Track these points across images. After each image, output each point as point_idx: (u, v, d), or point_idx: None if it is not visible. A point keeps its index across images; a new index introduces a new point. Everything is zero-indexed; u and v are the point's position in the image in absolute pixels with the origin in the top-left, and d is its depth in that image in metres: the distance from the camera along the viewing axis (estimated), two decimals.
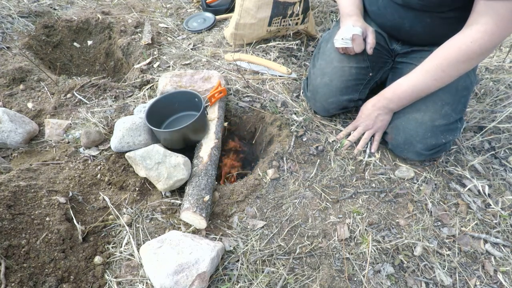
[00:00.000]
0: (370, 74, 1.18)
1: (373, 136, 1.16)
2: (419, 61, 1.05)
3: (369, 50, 1.12)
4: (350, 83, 1.15)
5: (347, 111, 1.29)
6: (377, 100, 1.10)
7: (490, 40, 0.83)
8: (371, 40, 1.11)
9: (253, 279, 0.84)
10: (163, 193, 1.00)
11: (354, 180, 1.08)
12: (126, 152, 0.99)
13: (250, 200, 1.01)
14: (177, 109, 1.19)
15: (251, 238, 0.92)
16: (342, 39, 1.10)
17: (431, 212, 1.03)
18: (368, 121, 1.13)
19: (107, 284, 0.82)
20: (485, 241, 0.98)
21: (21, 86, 1.33)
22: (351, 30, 1.10)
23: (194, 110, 1.16)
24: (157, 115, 1.12)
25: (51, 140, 1.13)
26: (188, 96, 1.14)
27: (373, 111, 1.11)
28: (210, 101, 1.21)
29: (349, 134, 1.18)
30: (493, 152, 1.23)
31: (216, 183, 1.07)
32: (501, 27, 0.81)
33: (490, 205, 1.07)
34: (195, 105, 1.13)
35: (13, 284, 0.74)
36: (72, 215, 0.90)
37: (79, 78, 1.45)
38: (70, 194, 0.94)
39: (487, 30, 0.82)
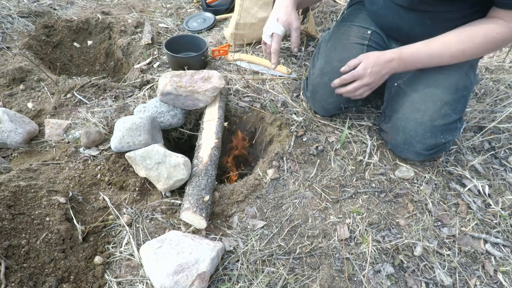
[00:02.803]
0: None
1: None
2: None
3: (294, 49, 1.10)
4: (350, 83, 1.15)
5: (347, 111, 1.29)
6: (391, 58, 1.02)
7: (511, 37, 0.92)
8: (294, 40, 1.07)
9: (253, 279, 0.84)
10: (163, 193, 1.00)
11: (354, 180, 1.08)
12: (126, 152, 0.99)
13: (250, 200, 1.01)
14: (186, 48, 1.53)
15: (251, 238, 0.92)
16: (265, 33, 1.08)
17: (431, 212, 1.03)
18: (373, 77, 1.04)
19: (107, 284, 0.82)
20: (485, 241, 0.98)
21: (21, 86, 1.33)
22: (273, 28, 1.05)
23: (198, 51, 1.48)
24: (172, 48, 1.44)
25: (51, 140, 1.13)
26: (196, 40, 1.52)
27: (383, 68, 1.03)
28: (213, 53, 1.46)
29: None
30: (493, 152, 1.23)
31: (216, 183, 1.07)
32: None
33: (490, 205, 1.07)
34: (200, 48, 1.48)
35: (13, 284, 0.74)
36: (72, 215, 0.90)
37: (79, 78, 1.45)
38: (70, 194, 0.94)
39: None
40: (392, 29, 1.15)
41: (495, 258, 0.95)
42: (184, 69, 1.40)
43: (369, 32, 1.18)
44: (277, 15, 1.07)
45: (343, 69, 1.07)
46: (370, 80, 1.03)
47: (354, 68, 1.05)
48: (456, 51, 0.96)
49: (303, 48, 1.65)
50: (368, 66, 1.02)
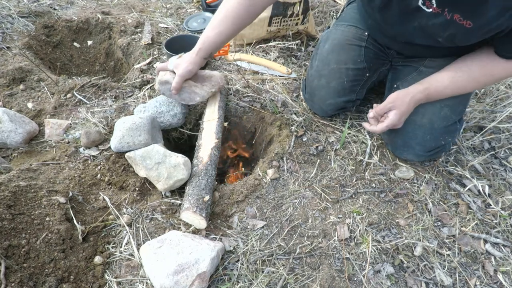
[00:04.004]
0: (367, 74, 1.17)
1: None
2: (417, 63, 1.08)
3: (172, 91, 1.10)
4: (347, 84, 1.15)
5: (346, 111, 1.29)
6: (420, 99, 0.99)
7: None
8: (173, 83, 1.08)
9: (253, 279, 0.84)
10: (163, 193, 1.00)
11: (354, 180, 1.08)
12: (126, 152, 0.99)
13: (250, 200, 1.01)
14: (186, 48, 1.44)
15: (251, 238, 0.92)
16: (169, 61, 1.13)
17: (431, 212, 1.03)
18: (402, 120, 1.00)
19: (107, 284, 0.82)
20: (485, 241, 0.98)
21: (21, 86, 1.33)
22: (173, 60, 1.11)
23: None
24: (172, 49, 1.43)
25: (51, 140, 1.13)
26: (196, 40, 1.40)
27: (412, 108, 1.00)
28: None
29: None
30: (493, 152, 1.23)
31: (216, 183, 1.07)
32: None
33: (490, 205, 1.07)
34: None
35: (13, 284, 0.74)
36: (72, 215, 0.90)
37: (79, 78, 1.45)
38: (70, 194, 0.94)
39: None
40: (384, 44, 1.15)
41: (495, 258, 0.95)
42: None
43: (366, 33, 1.17)
44: (182, 58, 1.09)
45: (371, 115, 1.03)
46: (401, 125, 1.01)
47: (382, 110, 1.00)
48: (479, 85, 0.96)
49: (303, 48, 1.65)
50: (403, 114, 0.98)
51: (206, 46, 1.06)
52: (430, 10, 0.84)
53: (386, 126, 0.98)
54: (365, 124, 1.04)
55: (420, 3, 0.84)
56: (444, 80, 0.96)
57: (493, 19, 0.76)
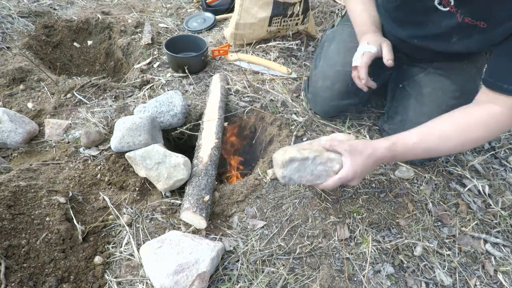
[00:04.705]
0: (371, 78, 1.16)
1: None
2: (426, 64, 1.07)
3: (386, 62, 0.98)
4: (352, 88, 1.13)
5: (347, 112, 1.28)
6: (383, 157, 0.84)
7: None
8: (386, 54, 0.97)
9: (253, 279, 0.84)
10: (163, 193, 1.00)
11: None
12: (126, 152, 0.99)
13: (250, 200, 1.01)
14: (186, 48, 1.51)
15: (251, 238, 0.92)
16: (355, 58, 1.04)
17: (431, 212, 1.03)
18: (360, 179, 0.87)
19: (107, 284, 0.82)
20: (485, 241, 0.98)
21: (21, 86, 1.33)
22: (364, 48, 1.01)
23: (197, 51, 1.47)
24: (172, 49, 1.43)
25: (51, 140, 1.13)
26: (196, 40, 1.52)
27: (372, 168, 0.86)
28: (213, 53, 1.49)
29: None
30: (493, 152, 1.23)
31: (216, 183, 1.07)
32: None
33: (490, 205, 1.07)
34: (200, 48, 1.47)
35: (13, 284, 0.74)
36: (72, 215, 0.90)
37: (79, 78, 1.45)
38: (70, 194, 0.94)
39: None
40: (394, 48, 1.14)
41: (495, 258, 0.95)
42: (184, 69, 1.40)
43: None
44: (365, 41, 1.01)
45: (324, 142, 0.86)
46: (357, 182, 0.86)
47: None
48: (455, 145, 0.84)
49: (303, 48, 1.65)
50: (358, 168, 0.81)
51: (372, 22, 1.05)
52: (447, 9, 0.83)
53: (339, 179, 0.82)
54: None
55: (436, 2, 0.83)
56: (413, 137, 0.84)
57: (506, 19, 0.75)
